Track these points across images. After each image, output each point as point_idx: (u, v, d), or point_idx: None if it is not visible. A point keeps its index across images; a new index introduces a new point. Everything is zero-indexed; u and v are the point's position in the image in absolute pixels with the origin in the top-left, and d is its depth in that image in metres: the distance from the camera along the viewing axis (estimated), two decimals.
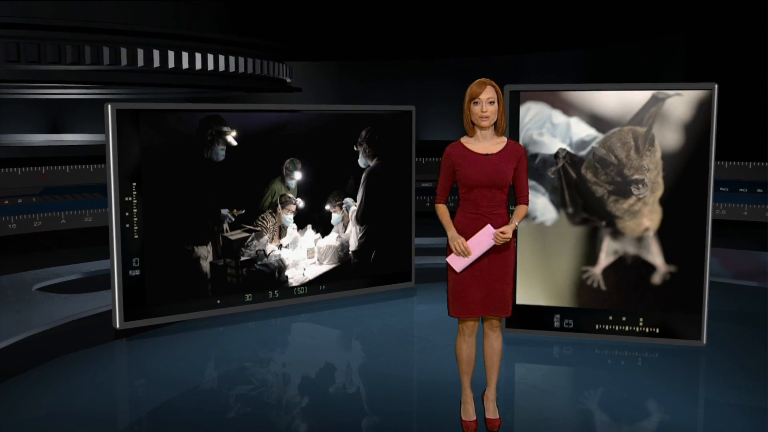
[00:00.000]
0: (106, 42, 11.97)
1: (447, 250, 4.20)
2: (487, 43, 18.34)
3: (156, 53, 12.42)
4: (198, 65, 13.21)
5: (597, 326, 5.93)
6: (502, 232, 4.06)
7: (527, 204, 4.25)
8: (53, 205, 10.07)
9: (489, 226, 4.08)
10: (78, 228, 10.30)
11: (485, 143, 4.15)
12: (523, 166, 4.18)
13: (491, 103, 4.07)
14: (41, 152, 13.23)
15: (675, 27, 14.08)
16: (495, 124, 4.15)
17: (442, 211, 4.21)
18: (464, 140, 4.21)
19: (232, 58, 13.98)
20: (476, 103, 4.08)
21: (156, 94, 15.81)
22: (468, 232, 4.14)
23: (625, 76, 15.41)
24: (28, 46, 11.16)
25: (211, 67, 13.48)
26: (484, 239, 4.08)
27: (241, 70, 14.30)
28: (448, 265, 4.19)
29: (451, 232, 4.14)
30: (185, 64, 12.96)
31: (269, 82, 16.01)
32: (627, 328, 5.88)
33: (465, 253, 4.08)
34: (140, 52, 12.19)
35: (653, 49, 15.18)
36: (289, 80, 17.16)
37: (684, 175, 5.66)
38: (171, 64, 12.70)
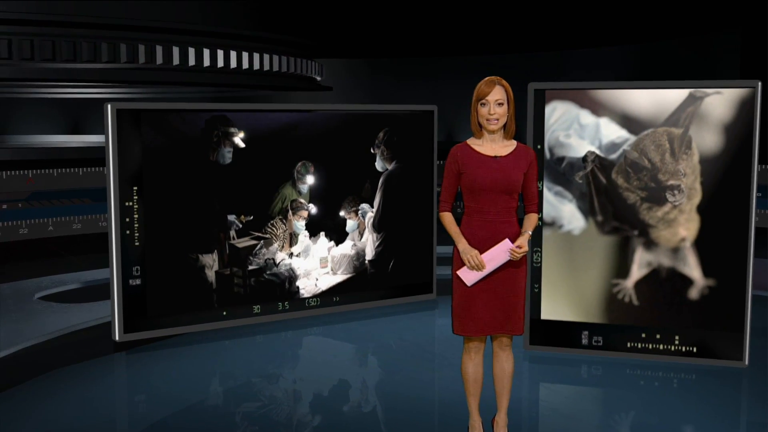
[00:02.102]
0: (131, 39, 12.08)
1: (453, 262, 4.11)
2: (529, 39, 18.17)
3: (186, 51, 12.49)
4: (229, 63, 13.28)
5: (628, 344, 5.79)
6: (519, 246, 3.98)
7: (537, 213, 4.18)
8: (40, 211, 10.09)
9: (507, 241, 4.02)
10: (66, 235, 10.31)
11: (493, 145, 4.08)
12: (533, 172, 4.11)
13: (500, 104, 3.98)
14: (28, 154, 13.17)
15: (731, 21, 13.80)
16: (505, 126, 4.06)
17: (449, 220, 4.14)
18: (471, 141, 4.14)
19: (259, 55, 14.02)
20: (483, 104, 4.00)
21: (180, 93, 15.93)
22: (475, 242, 4.05)
23: (677, 73, 15.16)
24: (61, 44, 11.33)
25: (239, 64, 13.54)
26: (499, 254, 4.02)
27: (269, 68, 14.34)
28: (454, 278, 4.10)
29: (462, 244, 4.05)
30: (211, 62, 13.03)
31: (299, 80, 16.04)
32: (661, 347, 5.73)
33: (479, 268, 3.98)
34: (165, 50, 12.27)
35: (707, 44, 14.91)
36: (319, 78, 17.19)
37: (724, 180, 5.51)
38: (195, 62, 12.78)
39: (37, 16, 11.41)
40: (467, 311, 4.07)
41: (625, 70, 16.85)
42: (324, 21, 18.84)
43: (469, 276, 4.04)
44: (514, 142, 4.12)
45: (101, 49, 11.70)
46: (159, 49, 12.25)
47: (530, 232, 4.07)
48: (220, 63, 13.13)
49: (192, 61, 12.69)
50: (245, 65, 13.59)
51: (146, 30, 12.39)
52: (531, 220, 4.13)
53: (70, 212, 10.29)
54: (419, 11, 18.83)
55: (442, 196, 4.16)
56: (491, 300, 4.06)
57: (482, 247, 4.03)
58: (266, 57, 14.17)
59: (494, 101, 3.98)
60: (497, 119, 3.99)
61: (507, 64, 17.80)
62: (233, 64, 13.35)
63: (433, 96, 17.59)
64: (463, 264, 4.04)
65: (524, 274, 4.12)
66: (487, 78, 4.05)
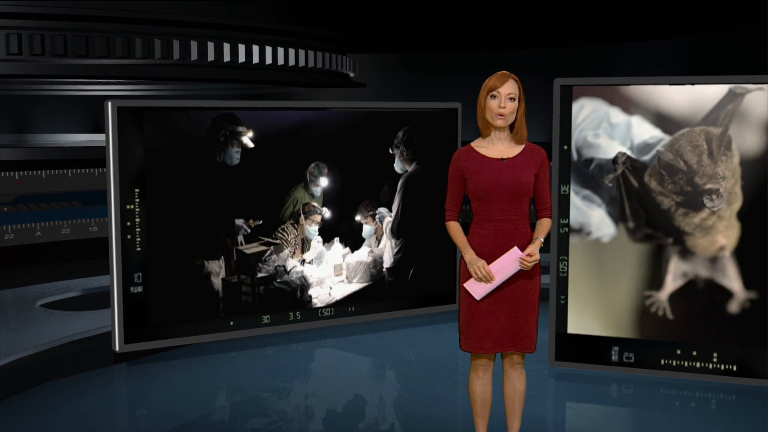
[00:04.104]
0: (155, 34, 12.17)
1: (461, 274, 4.04)
2: (574, 32, 18.02)
3: (221, 47, 12.56)
4: (264, 60, 13.33)
5: (662, 361, 5.70)
6: (529, 255, 3.90)
7: (550, 217, 4.08)
8: (27, 215, 10.11)
9: (516, 249, 3.94)
10: (55, 241, 10.29)
11: (500, 146, 4.01)
12: (545, 173, 4.03)
13: (512, 99, 3.91)
14: (14, 155, 13.17)
15: None
16: (513, 128, 3.99)
17: (456, 229, 4.10)
18: (476, 144, 4.08)
19: (294, 51, 14.08)
20: (494, 96, 3.92)
21: (205, 90, 16.03)
22: (484, 251, 3.98)
23: (733, 67, 14.89)
24: (95, 39, 11.43)
25: (274, 60, 13.60)
26: (509, 264, 3.94)
27: (305, 63, 14.39)
28: (461, 291, 4.02)
29: (469, 254, 3.99)
30: (246, 58, 13.10)
31: (331, 76, 16.08)
32: (698, 365, 5.63)
33: (487, 279, 3.90)
34: (193, 45, 12.36)
35: (766, 36, 14.64)
36: (352, 75, 17.21)
37: (767, 184, 5.38)
38: (230, 58, 12.85)
39: (69, 10, 11.53)
40: (475, 326, 3.99)
41: (678, 65, 16.63)
42: (357, 14, 18.87)
43: (477, 289, 3.96)
44: (524, 143, 4.03)
45: (135, 44, 11.81)
46: (194, 45, 12.33)
47: (542, 239, 3.98)
48: (255, 59, 13.19)
49: (227, 57, 12.76)
50: (280, 61, 13.65)
51: (175, 25, 12.47)
52: (544, 226, 4.03)
53: (59, 216, 10.32)
54: (458, 3, 18.78)
55: (448, 204, 4.10)
56: (501, 314, 3.98)
57: (491, 257, 3.96)
58: (300, 53, 14.22)
59: (506, 95, 3.91)
60: (505, 114, 3.92)
61: (550, 59, 17.69)
62: (268, 60, 13.41)
63: (471, 93, 17.45)
64: (470, 276, 3.96)
65: (538, 286, 4.04)
66: (498, 72, 3.99)
